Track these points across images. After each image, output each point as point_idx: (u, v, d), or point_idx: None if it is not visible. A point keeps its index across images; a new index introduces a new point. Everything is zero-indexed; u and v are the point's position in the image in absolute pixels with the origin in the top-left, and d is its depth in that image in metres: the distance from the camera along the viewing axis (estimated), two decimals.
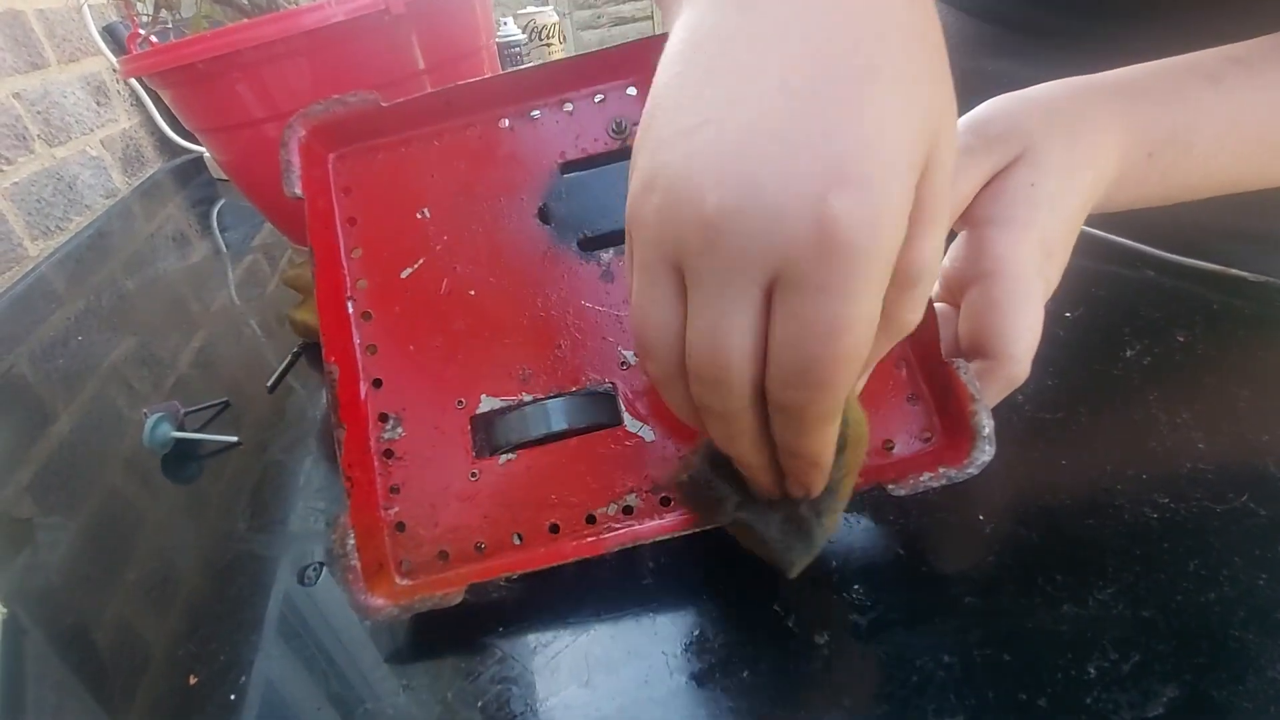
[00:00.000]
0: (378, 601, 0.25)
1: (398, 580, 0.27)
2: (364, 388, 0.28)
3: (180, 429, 0.40)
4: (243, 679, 0.26)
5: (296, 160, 0.28)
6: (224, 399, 0.43)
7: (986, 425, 0.24)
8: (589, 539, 0.27)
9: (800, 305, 0.16)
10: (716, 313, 0.17)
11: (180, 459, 0.39)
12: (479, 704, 0.23)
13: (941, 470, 0.25)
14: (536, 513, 0.27)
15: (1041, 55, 0.31)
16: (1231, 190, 0.32)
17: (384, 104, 0.28)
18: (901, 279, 0.18)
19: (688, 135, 0.17)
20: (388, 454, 0.28)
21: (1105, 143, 0.28)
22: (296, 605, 0.29)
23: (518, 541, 0.27)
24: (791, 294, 0.16)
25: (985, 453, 0.24)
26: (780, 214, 0.16)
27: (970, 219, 0.28)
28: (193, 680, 0.26)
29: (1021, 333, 0.26)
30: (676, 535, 0.26)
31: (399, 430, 0.28)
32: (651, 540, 0.26)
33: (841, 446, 0.21)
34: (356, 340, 0.28)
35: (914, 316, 0.19)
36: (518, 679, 0.24)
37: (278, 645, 0.27)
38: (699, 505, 0.25)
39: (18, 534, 0.37)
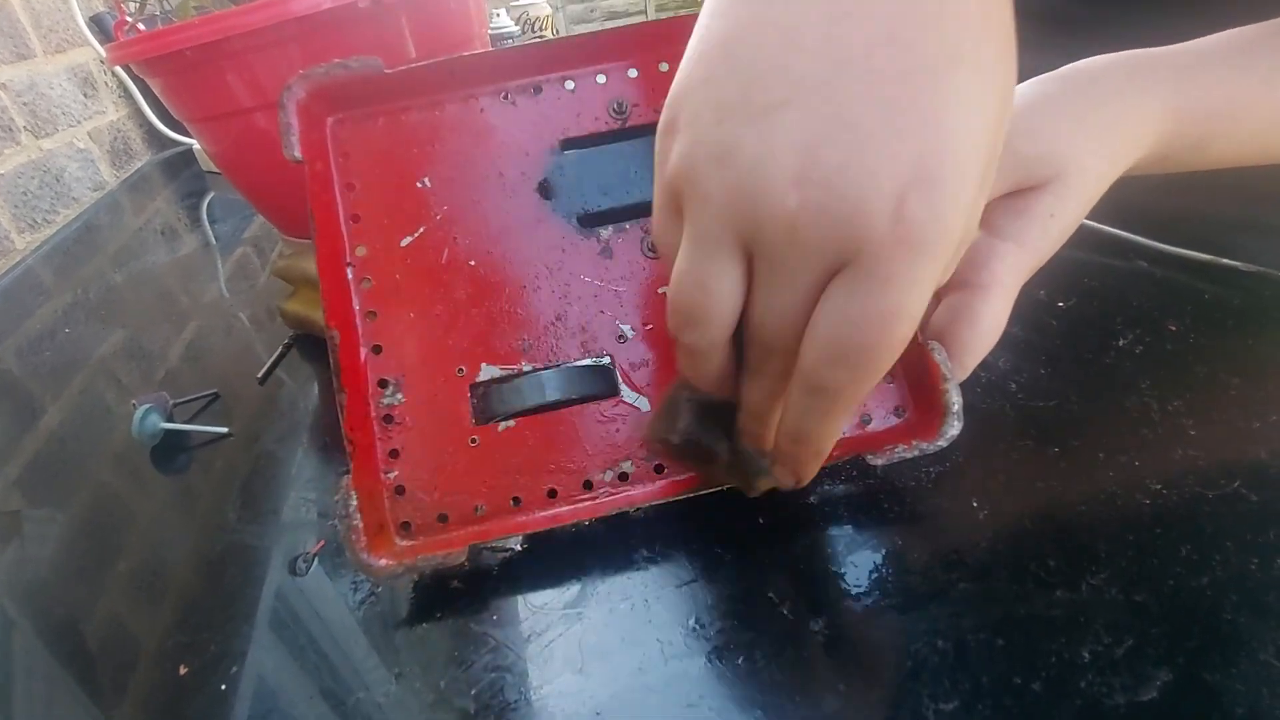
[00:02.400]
0: (380, 561, 0.26)
1: (398, 541, 0.27)
2: (364, 353, 0.28)
3: (169, 420, 0.39)
4: (234, 669, 0.26)
5: (295, 122, 0.28)
6: (214, 391, 0.43)
7: (956, 402, 0.26)
8: (586, 504, 0.28)
9: (866, 293, 0.17)
10: (790, 294, 0.18)
11: (170, 451, 0.39)
12: (472, 692, 0.23)
13: (915, 443, 0.26)
14: (535, 478, 0.28)
15: (1055, 45, 0.30)
16: (1260, 163, 0.32)
17: (387, 70, 0.28)
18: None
19: (767, 114, 0.17)
20: (387, 419, 0.28)
21: (1141, 137, 0.28)
22: (288, 596, 0.29)
23: (516, 505, 0.28)
24: (859, 282, 0.17)
25: (954, 427, 0.26)
26: (861, 210, 0.16)
27: (984, 223, 0.28)
28: (183, 671, 0.26)
29: (983, 347, 0.27)
30: (671, 500, 0.27)
31: (399, 396, 0.28)
32: (646, 504, 0.27)
33: None
34: (356, 306, 0.29)
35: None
36: (511, 667, 0.24)
37: (269, 635, 0.27)
38: (693, 460, 0.27)
39: (6, 527, 0.36)
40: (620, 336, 0.29)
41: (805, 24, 0.17)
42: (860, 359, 0.18)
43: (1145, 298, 0.38)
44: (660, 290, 0.29)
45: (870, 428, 0.28)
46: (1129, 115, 0.28)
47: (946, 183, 0.16)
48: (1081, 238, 0.29)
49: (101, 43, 0.87)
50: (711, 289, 0.19)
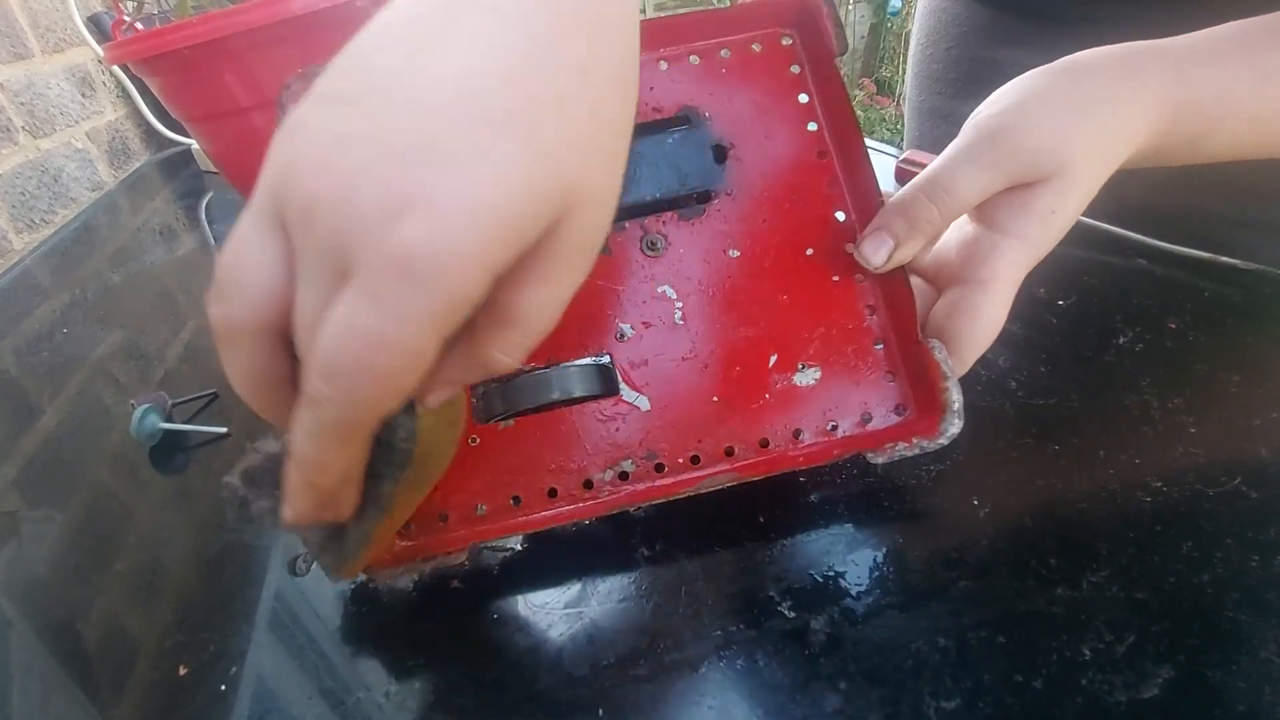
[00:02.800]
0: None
1: (399, 541, 0.27)
2: None
3: (168, 420, 0.39)
4: (233, 669, 0.26)
5: None
6: (213, 390, 0.43)
7: (957, 400, 0.26)
8: (586, 503, 0.28)
9: (351, 307, 0.16)
10: (311, 290, 0.17)
11: (168, 450, 0.39)
12: (473, 691, 0.23)
13: (915, 441, 0.27)
14: (535, 478, 0.28)
15: (1055, 43, 0.30)
16: (1256, 157, 0.32)
17: None
18: (499, 316, 0.17)
19: (336, 103, 0.17)
20: None
21: (1138, 131, 0.28)
22: (287, 596, 0.29)
23: (516, 504, 0.28)
24: (351, 293, 0.16)
25: (954, 425, 0.26)
26: (359, 217, 0.16)
27: (985, 219, 0.28)
28: (182, 671, 0.26)
29: (982, 342, 0.27)
30: (671, 499, 0.27)
31: None
32: (647, 503, 0.27)
33: (401, 463, 0.20)
34: None
35: (504, 359, 0.18)
36: (512, 666, 0.24)
37: (268, 635, 0.27)
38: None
39: (4, 527, 0.36)
40: (620, 335, 0.29)
41: (407, 39, 0.17)
42: (337, 378, 0.16)
43: (1145, 295, 0.38)
44: (659, 289, 0.29)
45: (871, 426, 0.28)
46: (1125, 108, 0.28)
47: (451, 222, 0.15)
48: (1081, 236, 0.29)
49: (99, 42, 0.86)
50: (242, 253, 0.18)
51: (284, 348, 0.18)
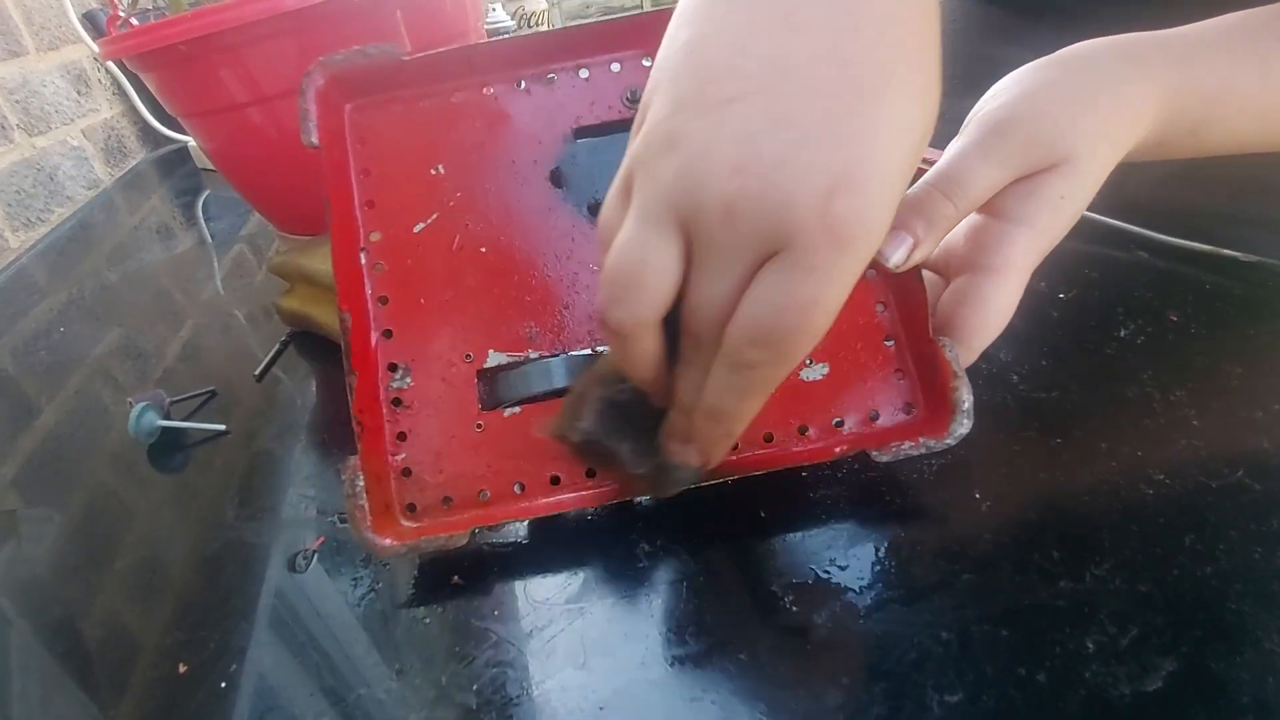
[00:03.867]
0: (384, 540, 0.26)
1: (403, 522, 0.27)
2: (374, 337, 0.28)
3: (166, 418, 0.39)
4: (233, 667, 0.26)
5: (314, 108, 0.28)
6: (211, 388, 0.43)
7: (966, 400, 0.26)
8: (588, 491, 0.28)
9: (790, 280, 0.18)
10: (723, 279, 0.19)
11: (167, 449, 0.39)
12: (474, 687, 0.23)
13: (922, 440, 0.26)
14: (539, 465, 0.28)
15: (1051, 40, 0.30)
16: (1258, 149, 0.31)
17: (405, 57, 0.28)
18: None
19: (718, 108, 0.18)
20: (396, 402, 0.28)
21: (1142, 118, 0.28)
22: (287, 593, 0.28)
23: (519, 491, 0.28)
24: (785, 269, 0.18)
25: (964, 425, 0.26)
26: (793, 204, 0.18)
27: (994, 209, 0.28)
28: (182, 669, 0.26)
29: (991, 331, 0.27)
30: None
31: (407, 380, 0.28)
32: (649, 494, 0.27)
33: None
34: (368, 290, 0.29)
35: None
36: (513, 662, 0.24)
37: (268, 633, 0.27)
38: (593, 459, 0.27)
39: (3, 526, 0.36)
40: None
41: (758, 33, 0.18)
42: (779, 342, 0.19)
43: (1146, 288, 0.38)
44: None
45: (878, 424, 0.28)
46: (1127, 95, 0.27)
47: (871, 190, 0.18)
48: (1082, 229, 0.29)
49: (94, 39, 0.86)
50: (648, 261, 0.19)
51: (664, 336, 0.21)
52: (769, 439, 0.28)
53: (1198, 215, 0.41)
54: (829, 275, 0.18)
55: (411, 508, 0.28)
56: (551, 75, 0.29)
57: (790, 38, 0.18)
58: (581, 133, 0.29)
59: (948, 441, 0.26)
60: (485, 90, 0.29)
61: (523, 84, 0.29)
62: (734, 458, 0.28)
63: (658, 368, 0.22)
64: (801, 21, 0.18)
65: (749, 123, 0.18)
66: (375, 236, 0.29)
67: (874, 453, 0.27)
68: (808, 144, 0.18)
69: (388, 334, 0.29)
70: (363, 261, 0.29)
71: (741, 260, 0.19)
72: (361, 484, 0.26)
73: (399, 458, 0.28)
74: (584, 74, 0.29)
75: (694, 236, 0.19)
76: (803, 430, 0.28)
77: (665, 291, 0.20)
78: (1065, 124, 0.26)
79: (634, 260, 0.20)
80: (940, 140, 0.29)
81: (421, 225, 0.29)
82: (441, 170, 0.29)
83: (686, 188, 0.18)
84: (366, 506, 0.26)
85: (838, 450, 0.28)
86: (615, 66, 0.29)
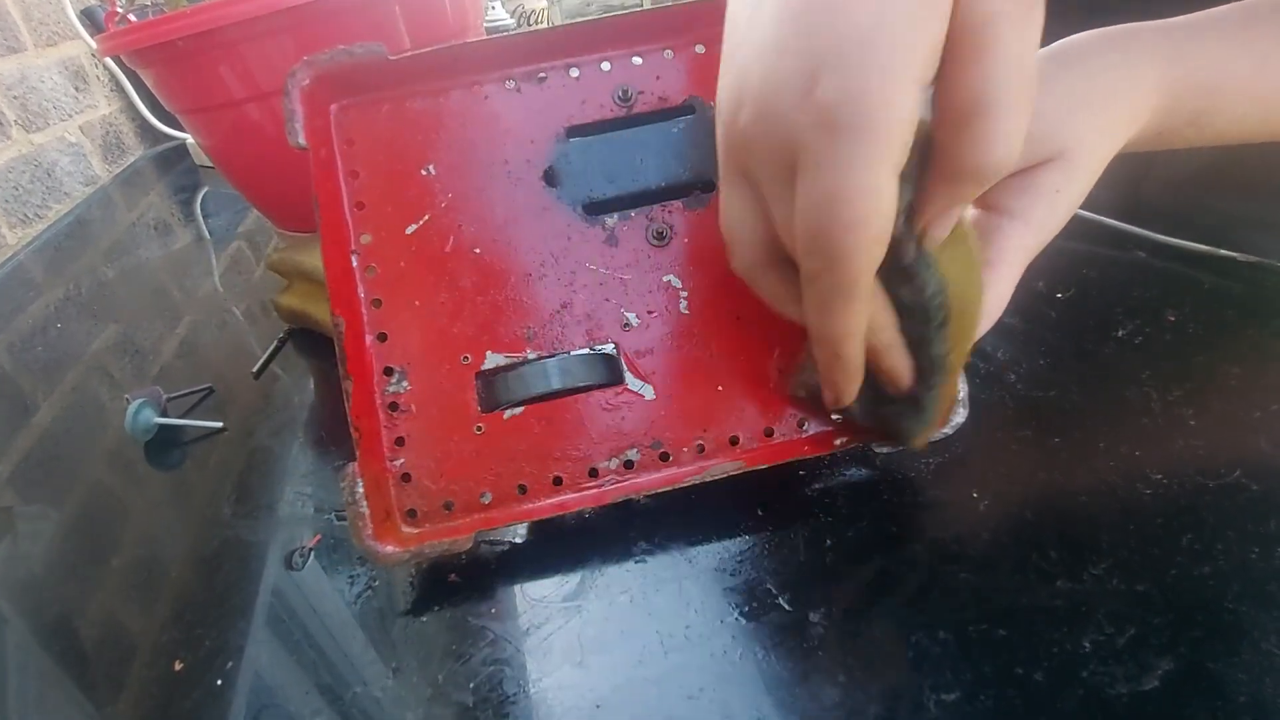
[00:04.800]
0: (386, 548, 0.26)
1: (404, 528, 0.27)
2: (369, 340, 0.28)
3: (163, 415, 0.39)
4: (230, 665, 0.26)
5: (299, 108, 0.28)
6: (208, 385, 0.43)
7: (961, 390, 0.27)
8: (591, 491, 0.28)
9: (805, 183, 0.18)
10: (779, 205, 0.20)
11: (164, 446, 0.39)
12: (471, 685, 0.23)
13: None
14: (540, 466, 0.28)
15: (1054, 29, 0.30)
16: (1258, 140, 0.31)
17: (391, 56, 0.28)
18: (952, 116, 0.18)
19: (728, 60, 0.21)
20: (393, 406, 0.28)
21: (1139, 108, 0.28)
22: (284, 591, 0.28)
23: (521, 493, 0.28)
24: (801, 174, 0.19)
25: (958, 415, 0.27)
26: (782, 111, 0.18)
27: (989, 202, 0.28)
28: (178, 667, 0.26)
29: (985, 324, 0.27)
30: (676, 488, 0.27)
31: (404, 384, 0.28)
32: (652, 492, 0.27)
33: (942, 320, 0.22)
34: (361, 293, 0.28)
35: (983, 157, 0.18)
36: (510, 660, 0.24)
37: (265, 630, 0.27)
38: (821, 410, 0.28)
39: None
40: (625, 324, 0.28)
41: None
42: (821, 245, 0.19)
43: (1144, 288, 0.38)
44: (665, 278, 0.29)
45: None
46: (1124, 87, 0.27)
47: (851, 64, 0.16)
48: (1080, 229, 0.29)
49: (93, 35, 0.86)
50: (730, 213, 0.22)
51: (790, 267, 0.22)
52: (769, 433, 0.28)
53: (1198, 215, 0.41)
54: (836, 165, 0.17)
55: (413, 513, 0.27)
56: (542, 74, 0.29)
57: None
58: (574, 131, 0.29)
59: (944, 431, 0.27)
60: (475, 90, 0.29)
61: (512, 83, 0.29)
62: (735, 454, 0.28)
63: (795, 305, 0.23)
64: None
65: (744, 61, 0.20)
66: (366, 239, 0.29)
67: (874, 445, 0.27)
68: (783, 53, 0.18)
69: (382, 337, 0.28)
70: (354, 264, 0.28)
71: (778, 181, 0.19)
72: (361, 491, 0.26)
73: (398, 463, 0.28)
74: (575, 73, 0.29)
75: (751, 180, 0.21)
76: (802, 424, 0.28)
77: (750, 233, 0.22)
78: (1061, 118, 0.26)
79: (724, 216, 0.23)
80: None
81: (413, 227, 0.29)
82: (432, 171, 0.29)
83: (725, 143, 0.21)
84: (367, 514, 0.26)
85: (837, 443, 0.28)
86: (605, 65, 0.29)
